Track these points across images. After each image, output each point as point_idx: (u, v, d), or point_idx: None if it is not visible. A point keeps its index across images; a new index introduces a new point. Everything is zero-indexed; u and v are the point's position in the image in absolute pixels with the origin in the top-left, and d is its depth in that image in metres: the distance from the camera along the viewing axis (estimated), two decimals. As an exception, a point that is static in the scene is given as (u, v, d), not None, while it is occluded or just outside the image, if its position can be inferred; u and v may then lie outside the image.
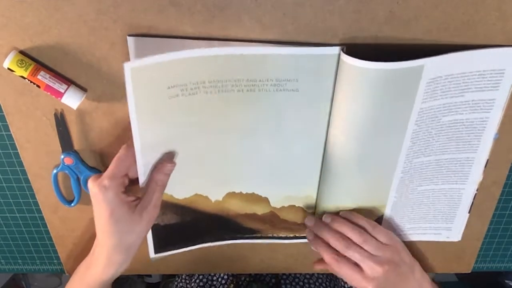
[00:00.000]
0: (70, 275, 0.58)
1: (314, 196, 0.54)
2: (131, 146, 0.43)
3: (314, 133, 0.49)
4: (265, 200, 0.54)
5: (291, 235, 0.58)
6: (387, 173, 0.52)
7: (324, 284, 0.69)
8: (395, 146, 0.49)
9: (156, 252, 0.56)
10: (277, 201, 0.55)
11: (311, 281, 0.68)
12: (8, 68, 0.43)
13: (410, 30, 0.44)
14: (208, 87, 0.42)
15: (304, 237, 0.58)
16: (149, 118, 0.42)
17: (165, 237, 0.55)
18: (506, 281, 1.14)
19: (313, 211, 0.56)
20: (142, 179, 0.46)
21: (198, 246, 0.58)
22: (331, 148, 0.49)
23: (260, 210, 0.55)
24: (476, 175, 0.54)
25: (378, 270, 0.48)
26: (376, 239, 0.51)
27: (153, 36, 0.43)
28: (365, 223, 0.52)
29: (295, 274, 0.70)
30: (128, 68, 0.37)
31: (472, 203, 0.57)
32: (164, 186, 0.47)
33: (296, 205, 0.55)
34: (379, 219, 0.57)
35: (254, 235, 0.58)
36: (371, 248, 0.49)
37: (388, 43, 0.44)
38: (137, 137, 0.42)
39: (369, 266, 0.48)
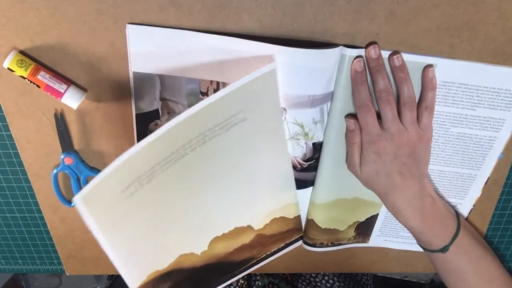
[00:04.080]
0: (70, 275, 0.58)
1: (294, 200, 0.54)
2: None
3: (276, 146, 0.48)
4: (248, 228, 0.54)
5: (282, 245, 0.58)
6: None
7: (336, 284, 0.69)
8: None
9: None
10: (259, 223, 0.54)
11: (323, 281, 0.69)
12: (8, 68, 0.43)
13: (410, 30, 0.44)
14: (162, 164, 0.41)
15: (294, 242, 0.58)
16: (114, 226, 0.41)
17: None
18: (506, 281, 1.14)
19: (296, 215, 0.56)
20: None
21: None
22: (332, 144, 0.49)
23: (246, 239, 0.55)
24: (475, 192, 0.54)
25: (396, 139, 0.45)
26: (417, 115, 0.46)
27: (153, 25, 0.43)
28: (427, 92, 0.46)
29: (309, 276, 0.70)
30: (79, 199, 0.36)
31: (467, 217, 0.57)
32: None
33: (277, 216, 0.55)
34: (373, 218, 0.57)
35: (250, 263, 0.58)
36: (408, 118, 0.45)
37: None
38: (112, 254, 0.42)
39: (393, 131, 0.45)
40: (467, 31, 0.44)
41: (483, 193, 0.55)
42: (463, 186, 0.54)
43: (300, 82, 0.44)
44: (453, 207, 0.55)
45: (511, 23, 0.44)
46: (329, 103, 0.47)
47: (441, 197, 0.54)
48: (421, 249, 0.55)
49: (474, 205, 0.56)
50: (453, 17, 0.43)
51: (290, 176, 0.51)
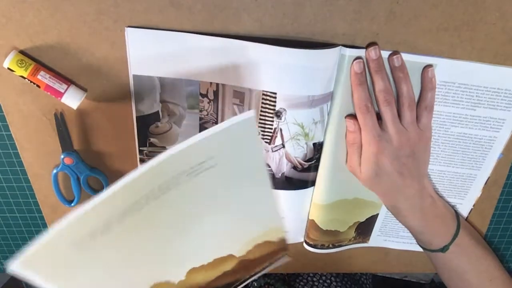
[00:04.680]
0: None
1: (278, 225, 0.51)
2: None
3: (257, 186, 0.45)
4: (230, 256, 0.50)
5: (267, 264, 0.55)
6: None
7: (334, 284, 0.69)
8: None
9: None
10: (241, 250, 0.51)
11: (320, 281, 0.69)
12: (8, 68, 0.43)
13: (410, 30, 0.44)
14: (120, 215, 0.38)
15: (280, 258, 0.55)
16: (67, 278, 0.39)
17: None
18: (506, 281, 1.14)
19: (280, 236, 0.52)
20: None
21: None
22: (332, 145, 0.49)
23: (228, 266, 0.51)
24: (475, 192, 0.54)
25: (395, 140, 0.45)
26: (417, 115, 0.46)
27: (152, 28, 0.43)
28: (427, 93, 0.46)
29: (306, 276, 0.70)
30: (17, 265, 0.35)
31: (467, 217, 0.57)
32: None
33: (261, 242, 0.51)
34: (373, 218, 0.57)
35: (233, 286, 0.54)
36: (407, 118, 0.45)
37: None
38: None
39: (393, 131, 0.45)
40: (467, 31, 0.44)
41: (483, 193, 0.55)
42: (463, 186, 0.54)
43: (300, 82, 0.44)
44: (452, 207, 0.55)
45: (511, 23, 0.44)
46: (329, 103, 0.47)
47: (441, 197, 0.54)
48: (421, 249, 0.55)
49: (474, 205, 0.56)
50: (453, 17, 0.43)
51: (273, 206, 0.48)
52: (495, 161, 0.52)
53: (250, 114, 0.38)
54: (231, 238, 0.49)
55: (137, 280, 0.46)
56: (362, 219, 0.58)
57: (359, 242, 0.61)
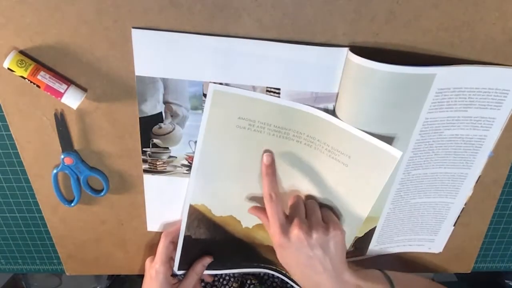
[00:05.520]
0: (70, 275, 0.58)
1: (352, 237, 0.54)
2: (169, 233, 0.55)
3: (353, 209, 0.49)
4: None
5: None
6: (386, 182, 0.52)
7: None
8: None
9: (179, 268, 0.57)
10: None
11: None
12: (8, 68, 0.43)
13: (410, 30, 0.44)
14: (272, 130, 0.47)
15: None
16: (214, 141, 0.48)
17: (192, 253, 0.57)
18: (506, 281, 1.14)
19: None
20: (177, 264, 0.57)
21: (215, 272, 0.60)
22: None
23: None
24: (466, 190, 0.54)
25: (297, 236, 0.45)
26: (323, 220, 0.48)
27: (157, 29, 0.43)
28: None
29: None
30: (212, 89, 0.45)
31: (459, 216, 0.57)
32: (200, 275, 0.58)
33: None
34: (371, 231, 0.57)
35: (270, 266, 0.59)
36: (314, 219, 0.47)
37: (387, 43, 0.44)
38: (197, 159, 0.50)
39: (297, 223, 0.46)
40: (467, 31, 0.44)
41: (483, 193, 0.55)
42: (454, 186, 0.54)
43: (302, 78, 0.45)
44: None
45: (511, 23, 0.44)
46: (334, 104, 0.47)
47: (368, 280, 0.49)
48: (420, 250, 0.54)
49: (465, 204, 0.56)
50: (453, 17, 0.43)
51: (351, 237, 0.53)
52: (486, 159, 0.51)
53: (397, 154, 0.43)
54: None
55: (227, 200, 0.54)
56: (361, 234, 0.57)
57: (355, 256, 0.60)
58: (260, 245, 0.57)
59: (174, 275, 0.58)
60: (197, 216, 0.54)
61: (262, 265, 0.60)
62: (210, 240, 0.57)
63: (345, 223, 0.50)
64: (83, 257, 0.61)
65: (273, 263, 0.59)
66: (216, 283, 0.66)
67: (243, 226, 0.56)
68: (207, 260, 0.58)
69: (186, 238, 0.55)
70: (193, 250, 0.57)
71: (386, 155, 0.43)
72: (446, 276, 1.33)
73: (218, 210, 0.54)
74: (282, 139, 0.48)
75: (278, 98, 0.46)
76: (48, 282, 1.26)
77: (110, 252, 0.60)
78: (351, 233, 0.52)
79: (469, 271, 0.65)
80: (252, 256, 0.59)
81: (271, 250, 0.54)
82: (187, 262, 0.58)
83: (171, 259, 0.56)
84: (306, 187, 0.50)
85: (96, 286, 1.26)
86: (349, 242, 0.53)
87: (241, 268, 0.61)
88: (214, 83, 0.46)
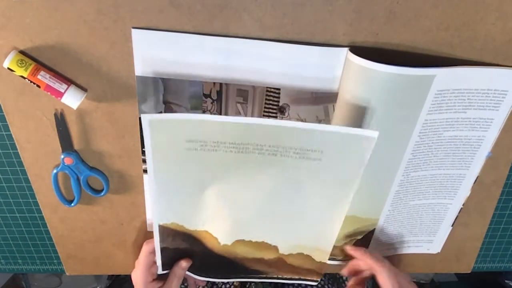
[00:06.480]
0: (70, 275, 0.58)
1: (327, 249, 0.53)
2: (150, 242, 0.53)
3: (338, 202, 0.48)
4: (274, 248, 0.54)
5: (297, 278, 0.58)
6: (385, 184, 0.52)
7: (326, 286, 0.69)
8: (396, 157, 0.49)
9: (163, 269, 0.56)
10: (286, 249, 0.54)
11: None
12: (8, 68, 0.43)
13: (410, 30, 0.44)
14: (228, 147, 0.43)
15: (309, 281, 0.58)
16: (165, 166, 0.44)
17: (174, 258, 0.55)
18: (506, 281, 1.14)
19: (322, 261, 0.55)
20: (159, 263, 0.54)
21: (203, 279, 0.59)
22: None
23: (267, 255, 0.55)
24: (464, 191, 0.55)
25: None
26: None
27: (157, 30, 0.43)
28: None
29: None
30: (147, 119, 0.40)
31: (457, 217, 0.57)
32: (181, 277, 0.55)
33: (305, 253, 0.54)
34: (370, 233, 0.57)
35: (259, 276, 0.58)
36: None
37: (388, 42, 0.44)
38: (153, 183, 0.45)
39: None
40: (467, 31, 0.44)
41: (483, 193, 0.55)
42: (453, 186, 0.54)
43: (302, 78, 0.45)
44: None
45: (511, 23, 0.44)
46: (334, 104, 0.47)
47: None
48: (418, 251, 0.54)
49: (464, 204, 0.56)
50: (453, 17, 0.43)
51: (335, 229, 0.51)
52: (484, 160, 0.51)
53: (374, 134, 0.41)
54: (286, 232, 0.52)
55: (198, 217, 0.50)
56: (360, 237, 0.57)
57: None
58: (244, 259, 0.55)
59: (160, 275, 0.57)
60: (169, 233, 0.51)
61: (250, 275, 0.58)
62: (190, 249, 0.54)
63: (325, 222, 0.50)
64: (83, 257, 0.61)
65: (262, 273, 0.58)
66: (217, 282, 0.66)
67: (222, 244, 0.53)
68: (185, 264, 0.56)
69: (163, 249, 0.53)
70: (174, 257, 0.55)
71: (362, 138, 0.41)
72: (446, 276, 1.33)
73: (192, 224, 0.51)
74: (242, 154, 0.44)
75: (224, 116, 0.44)
76: (48, 282, 1.27)
77: (110, 252, 0.60)
78: (334, 229, 0.51)
79: (469, 271, 0.65)
80: (238, 269, 0.57)
81: (257, 261, 0.54)
82: (169, 265, 0.56)
83: (153, 265, 0.55)
84: (281, 196, 0.48)
85: (96, 286, 1.26)
86: (335, 240, 0.52)
87: (230, 278, 0.59)
88: (214, 83, 0.46)
